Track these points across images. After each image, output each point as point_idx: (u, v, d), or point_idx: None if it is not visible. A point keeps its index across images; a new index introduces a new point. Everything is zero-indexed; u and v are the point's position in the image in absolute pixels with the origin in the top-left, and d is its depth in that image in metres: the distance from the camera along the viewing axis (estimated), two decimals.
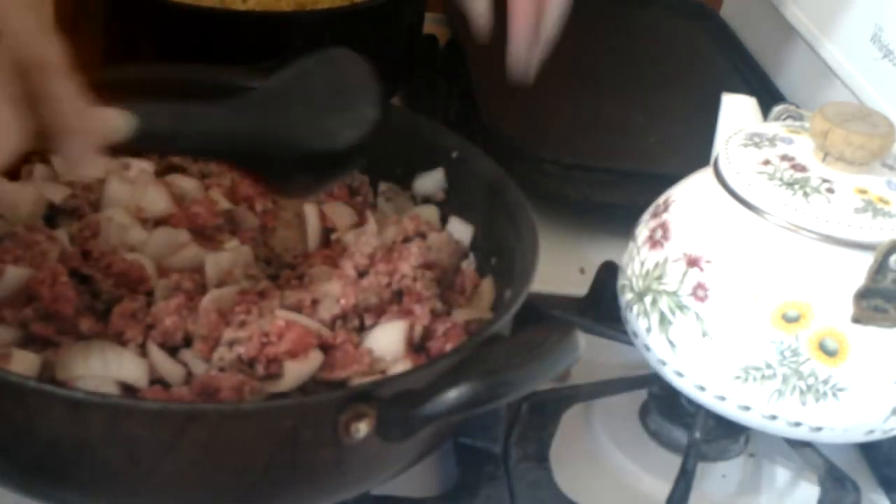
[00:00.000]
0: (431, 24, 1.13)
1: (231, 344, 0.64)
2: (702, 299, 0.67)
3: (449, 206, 0.77)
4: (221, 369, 0.63)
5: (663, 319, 0.68)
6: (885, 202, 0.65)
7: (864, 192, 0.66)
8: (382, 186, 0.80)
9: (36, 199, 0.72)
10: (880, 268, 0.62)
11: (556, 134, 0.96)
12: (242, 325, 0.65)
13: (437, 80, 1.07)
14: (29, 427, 0.55)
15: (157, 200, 0.74)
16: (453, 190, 0.77)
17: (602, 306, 0.82)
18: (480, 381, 0.53)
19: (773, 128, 0.72)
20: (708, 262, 0.67)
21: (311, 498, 0.60)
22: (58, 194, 0.73)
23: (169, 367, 0.63)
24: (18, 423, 0.55)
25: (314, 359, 0.63)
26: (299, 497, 0.59)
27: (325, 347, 0.65)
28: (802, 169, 0.67)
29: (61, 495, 0.58)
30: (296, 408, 0.56)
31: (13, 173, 0.73)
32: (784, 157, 0.68)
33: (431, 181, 0.77)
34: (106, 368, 0.61)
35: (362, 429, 0.54)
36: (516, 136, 0.91)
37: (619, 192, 0.89)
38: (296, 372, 0.62)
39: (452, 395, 0.52)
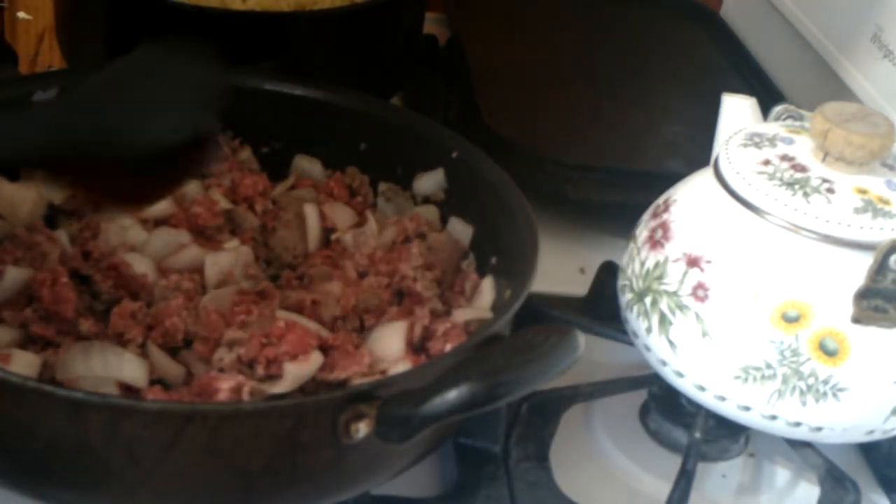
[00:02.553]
0: (431, 24, 1.13)
1: (231, 345, 0.64)
2: (702, 299, 0.67)
3: (449, 206, 0.77)
4: (221, 370, 0.63)
5: (663, 319, 0.68)
6: (885, 202, 0.65)
7: (864, 192, 0.66)
8: (382, 186, 0.80)
9: (36, 199, 0.72)
10: (880, 268, 0.62)
11: (556, 134, 0.96)
12: (242, 325, 0.65)
13: (437, 80, 1.07)
14: (29, 427, 0.55)
15: None
16: (453, 190, 0.77)
17: (602, 306, 0.82)
18: (480, 381, 0.53)
19: (773, 128, 0.72)
20: (708, 262, 0.67)
21: (310, 498, 0.60)
22: (58, 195, 0.73)
23: (169, 368, 0.63)
24: (19, 423, 0.55)
25: (314, 360, 0.63)
26: (299, 498, 0.59)
27: (325, 348, 0.65)
28: (802, 169, 0.67)
29: (61, 495, 0.58)
30: (295, 408, 0.56)
31: (13, 174, 0.74)
32: (784, 157, 0.68)
33: (432, 181, 0.77)
34: (106, 369, 0.61)
35: (362, 429, 0.53)
36: (516, 136, 0.91)
37: (619, 192, 0.89)
38: (295, 373, 0.62)
39: (452, 395, 0.52)
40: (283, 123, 0.80)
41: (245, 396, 0.60)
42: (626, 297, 0.72)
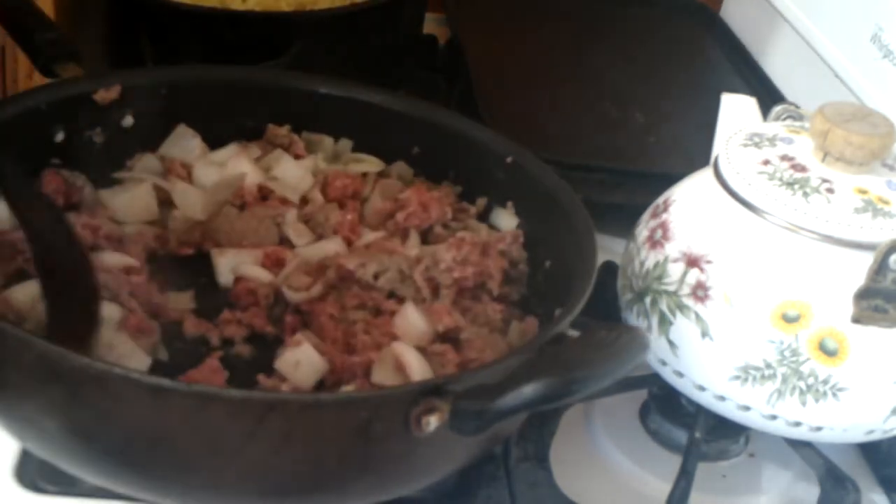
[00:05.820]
0: (431, 24, 1.13)
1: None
2: (702, 299, 0.67)
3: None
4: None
5: (663, 319, 0.68)
6: (885, 202, 0.65)
7: (864, 192, 0.66)
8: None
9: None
10: (880, 268, 0.62)
11: (556, 134, 0.97)
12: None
13: (437, 80, 1.07)
14: (111, 414, 0.55)
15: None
16: (509, 195, 0.77)
17: (602, 306, 0.82)
18: (557, 377, 0.53)
19: (773, 128, 0.72)
20: (708, 262, 0.67)
21: (376, 489, 0.60)
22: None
23: None
24: (100, 410, 0.55)
25: None
26: (366, 489, 0.59)
27: None
28: (802, 169, 0.67)
29: (140, 483, 0.58)
30: (371, 400, 0.56)
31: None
32: (784, 157, 0.68)
33: (506, 219, 0.78)
34: (119, 359, 0.62)
35: (432, 422, 0.54)
36: (516, 136, 0.91)
37: (619, 192, 0.89)
38: None
39: (528, 390, 0.53)
40: (338, 125, 0.80)
41: None
42: (625, 297, 0.72)
